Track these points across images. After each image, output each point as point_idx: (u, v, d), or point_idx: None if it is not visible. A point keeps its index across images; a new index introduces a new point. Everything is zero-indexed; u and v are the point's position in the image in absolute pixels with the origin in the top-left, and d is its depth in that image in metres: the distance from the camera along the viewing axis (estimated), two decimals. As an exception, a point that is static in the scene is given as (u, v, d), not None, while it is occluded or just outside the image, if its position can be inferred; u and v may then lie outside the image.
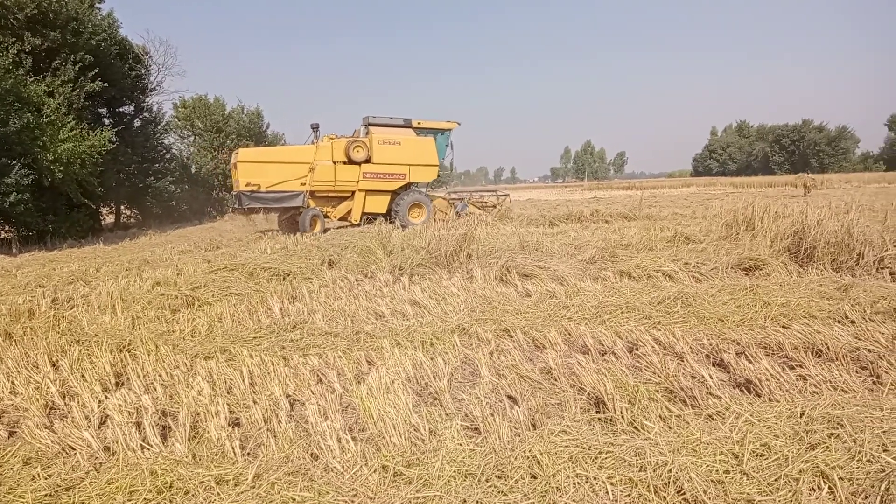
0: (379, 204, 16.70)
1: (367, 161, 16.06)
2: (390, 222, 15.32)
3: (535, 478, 2.53)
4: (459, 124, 17.57)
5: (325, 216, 16.15)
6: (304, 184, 15.72)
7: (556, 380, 3.77)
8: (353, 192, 16.35)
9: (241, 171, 15.16)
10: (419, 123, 16.84)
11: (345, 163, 15.90)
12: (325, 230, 15.31)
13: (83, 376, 4.15)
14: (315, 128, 16.25)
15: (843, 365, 3.71)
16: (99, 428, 3.36)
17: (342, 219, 16.63)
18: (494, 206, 18.30)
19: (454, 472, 2.62)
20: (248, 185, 15.10)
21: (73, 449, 3.05)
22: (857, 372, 3.65)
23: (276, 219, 17.50)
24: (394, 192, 16.73)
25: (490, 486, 2.51)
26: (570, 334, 4.67)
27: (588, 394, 3.46)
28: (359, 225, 16.04)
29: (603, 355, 4.20)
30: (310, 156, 15.80)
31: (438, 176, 17.43)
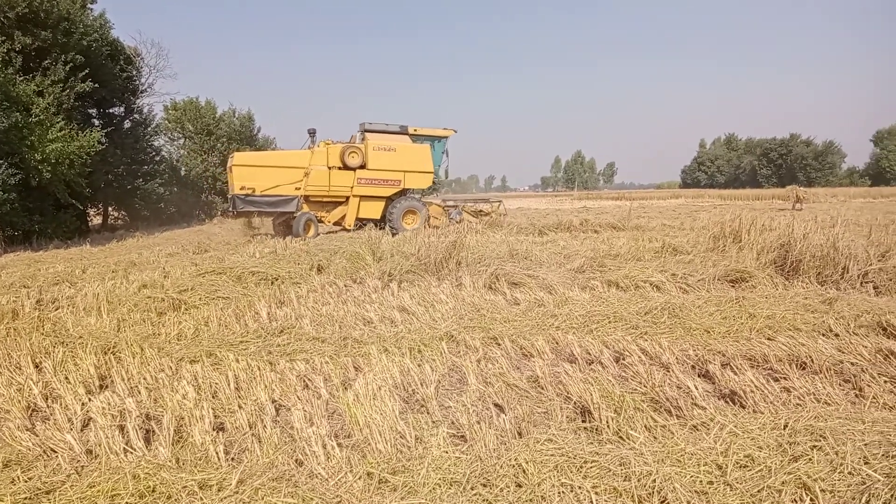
0: (374, 209, 16.72)
1: (362, 167, 16.09)
2: (380, 228, 15.32)
3: (520, 486, 2.53)
4: (456, 132, 17.62)
5: (320, 221, 16.18)
6: (299, 188, 15.74)
7: (542, 388, 3.78)
8: (348, 198, 16.38)
9: (237, 174, 15.22)
10: (415, 130, 16.88)
11: (340, 168, 15.94)
12: (318, 235, 15.31)
13: (67, 378, 4.11)
14: (312, 133, 16.30)
15: (826, 378, 3.74)
16: (81, 431, 3.33)
17: (337, 223, 16.65)
18: (488, 214, 18.36)
19: (439, 479, 2.61)
20: (242, 188, 15.15)
21: (55, 452, 3.01)
22: (840, 385, 3.68)
23: (264, 222, 17.47)
24: (389, 198, 16.75)
25: (475, 495, 2.50)
26: (557, 343, 4.68)
27: (574, 403, 3.47)
28: (349, 230, 16.05)
29: (590, 364, 4.21)
30: (305, 160, 15.82)
31: (434, 183, 17.46)
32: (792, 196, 27.10)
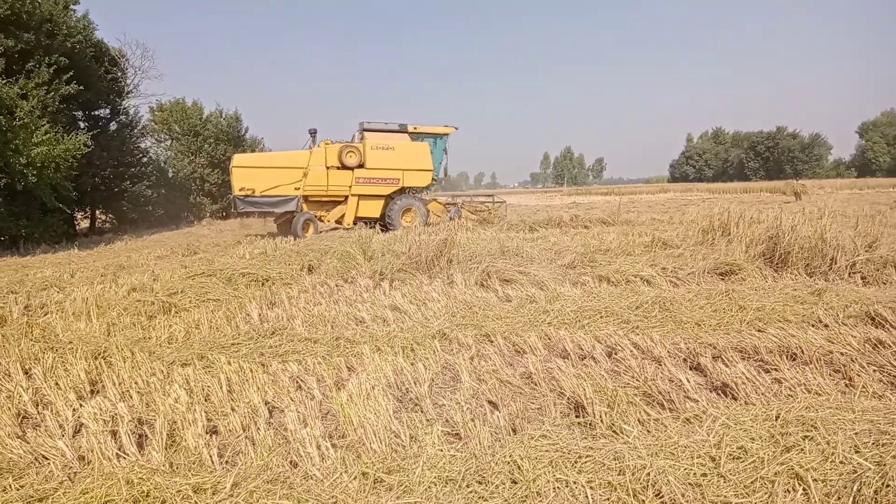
0: (372, 208, 16.78)
1: (360, 166, 16.20)
2: (370, 227, 15.33)
3: (515, 483, 2.53)
4: (457, 129, 17.63)
5: (320, 220, 16.31)
6: (299, 188, 15.90)
7: (536, 384, 3.79)
8: (347, 197, 16.47)
9: (236, 176, 15.47)
10: (415, 128, 16.91)
11: (338, 168, 16.07)
12: (318, 233, 15.43)
13: (57, 384, 4.07)
14: (313, 133, 16.42)
15: (816, 368, 3.78)
16: (73, 437, 3.30)
17: (338, 222, 16.76)
18: (489, 212, 18.40)
19: (435, 478, 2.62)
20: (241, 189, 15.39)
21: (47, 458, 2.99)
22: (830, 375, 3.72)
23: (253, 223, 17.52)
24: (388, 197, 16.81)
25: (471, 492, 2.51)
26: (549, 339, 4.69)
27: (568, 398, 3.48)
28: (348, 229, 16.09)
29: (582, 360, 4.22)
30: (304, 161, 15.95)
31: (434, 180, 17.54)
32: (790, 190, 27.67)
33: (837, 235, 6.82)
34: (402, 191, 16.92)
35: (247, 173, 15.59)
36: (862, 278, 6.38)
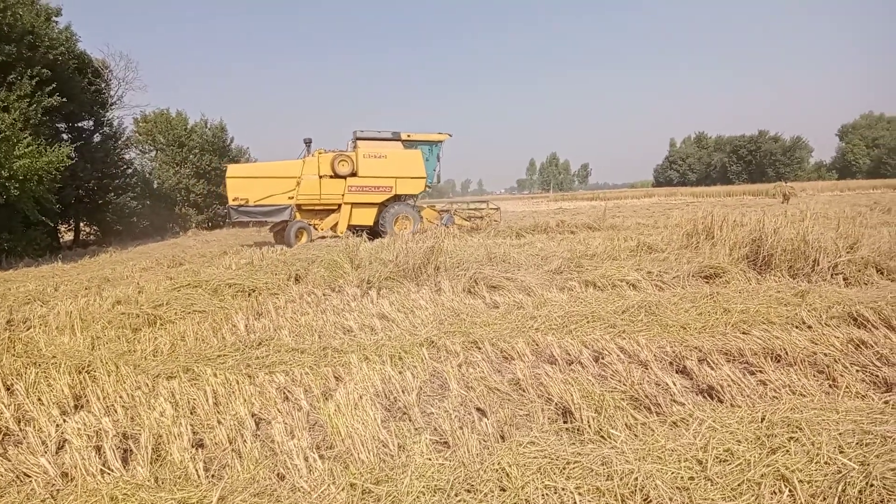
0: (365, 216, 16.89)
1: (353, 175, 16.33)
2: (357, 235, 15.34)
3: (504, 490, 2.53)
4: (451, 136, 17.75)
5: (314, 228, 16.45)
6: (292, 197, 16.05)
7: (524, 391, 3.79)
8: (340, 205, 16.58)
9: (230, 186, 15.67)
10: (408, 136, 17.03)
11: (330, 177, 16.22)
12: (312, 241, 15.52)
13: (40, 400, 4.02)
14: (308, 142, 16.59)
15: (800, 369, 3.82)
16: (56, 453, 3.26)
17: (332, 230, 16.85)
18: (482, 218, 18.46)
19: (423, 487, 2.61)
20: (235, 199, 15.59)
21: (29, 476, 2.94)
22: (814, 376, 3.75)
23: (246, 232, 17.53)
24: (381, 205, 16.91)
25: (459, 501, 2.50)
26: (537, 345, 4.70)
27: (556, 404, 3.49)
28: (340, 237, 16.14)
29: (570, 365, 4.24)
30: (297, 170, 16.11)
31: (428, 187, 17.64)
32: (779, 192, 27.94)
33: (819, 237, 6.91)
34: (396, 198, 17.02)
35: (241, 183, 15.76)
36: (844, 279, 6.46)
